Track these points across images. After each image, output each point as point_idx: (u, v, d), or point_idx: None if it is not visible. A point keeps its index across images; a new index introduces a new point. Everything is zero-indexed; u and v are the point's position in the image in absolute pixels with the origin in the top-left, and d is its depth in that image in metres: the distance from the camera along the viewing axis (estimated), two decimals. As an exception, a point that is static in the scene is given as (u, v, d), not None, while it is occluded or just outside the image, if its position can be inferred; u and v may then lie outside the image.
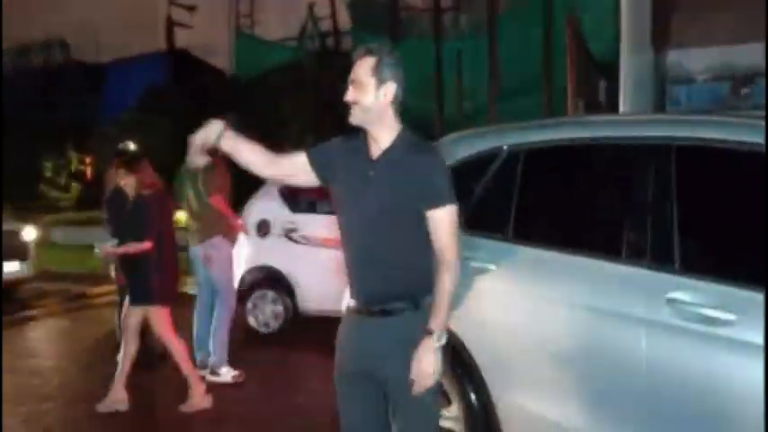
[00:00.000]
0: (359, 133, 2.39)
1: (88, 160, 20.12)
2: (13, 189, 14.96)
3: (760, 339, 2.21)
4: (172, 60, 20.64)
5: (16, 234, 8.76)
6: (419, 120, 9.98)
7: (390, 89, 2.28)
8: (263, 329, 6.52)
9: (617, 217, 2.73)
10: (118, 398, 4.55)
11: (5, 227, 8.59)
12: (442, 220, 2.28)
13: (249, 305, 6.54)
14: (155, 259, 4.45)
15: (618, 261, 2.64)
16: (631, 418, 2.52)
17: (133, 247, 4.45)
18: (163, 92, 18.32)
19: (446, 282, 2.26)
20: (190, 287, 6.90)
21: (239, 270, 6.25)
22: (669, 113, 5.42)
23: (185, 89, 17.63)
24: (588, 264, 2.74)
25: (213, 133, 2.35)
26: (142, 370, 4.89)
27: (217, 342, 5.22)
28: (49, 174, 20.33)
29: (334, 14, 19.30)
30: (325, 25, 19.54)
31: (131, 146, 5.28)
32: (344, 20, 18.93)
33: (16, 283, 8.71)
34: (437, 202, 2.28)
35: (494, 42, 10.94)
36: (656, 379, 2.44)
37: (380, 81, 2.27)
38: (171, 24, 21.60)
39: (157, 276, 4.49)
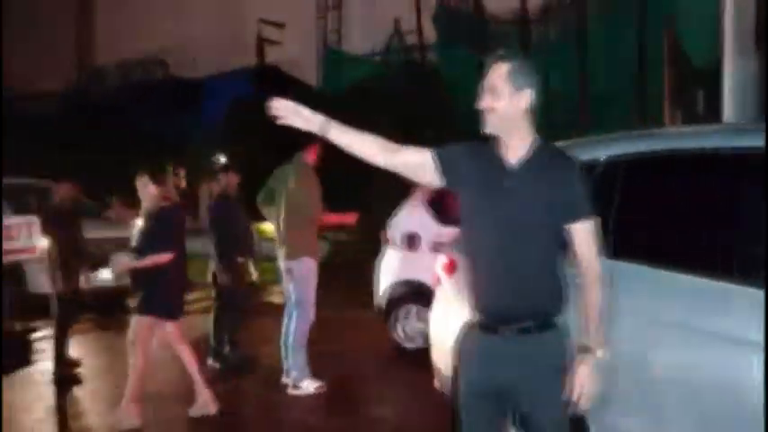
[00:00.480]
0: (486, 141, 2.30)
1: (182, 172, 20.99)
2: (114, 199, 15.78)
3: None
4: (261, 75, 21.27)
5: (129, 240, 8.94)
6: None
7: (526, 96, 2.21)
8: (408, 344, 6.34)
9: (728, 233, 2.56)
10: (205, 401, 4.64)
11: (111, 233, 8.93)
12: (588, 233, 2.21)
13: (393, 319, 6.40)
14: (169, 271, 4.45)
15: (729, 280, 2.48)
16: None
17: (152, 260, 4.42)
18: (252, 106, 18.88)
19: (598, 295, 2.21)
20: (274, 297, 7.03)
21: (384, 283, 6.27)
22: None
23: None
24: (695, 282, 2.58)
25: (317, 122, 2.26)
26: (233, 376, 5.02)
27: (296, 355, 5.21)
28: (145, 184, 21.32)
29: (419, 28, 19.39)
30: (411, 39, 19.65)
31: (222, 159, 5.47)
32: (430, 34, 18.98)
33: (121, 290, 8.66)
34: (582, 215, 2.21)
35: (582, 51, 10.69)
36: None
37: (516, 88, 2.19)
38: (261, 41, 22.36)
39: (171, 288, 4.51)
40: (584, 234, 2.20)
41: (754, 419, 2.29)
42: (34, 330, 7.42)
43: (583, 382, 2.15)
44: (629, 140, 3.05)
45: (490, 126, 2.23)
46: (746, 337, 2.35)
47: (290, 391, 5.16)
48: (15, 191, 8.54)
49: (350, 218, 5.69)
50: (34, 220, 6.55)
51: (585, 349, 2.18)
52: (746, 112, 6.65)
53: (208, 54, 22.08)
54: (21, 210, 7.37)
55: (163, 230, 4.49)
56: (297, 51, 22.11)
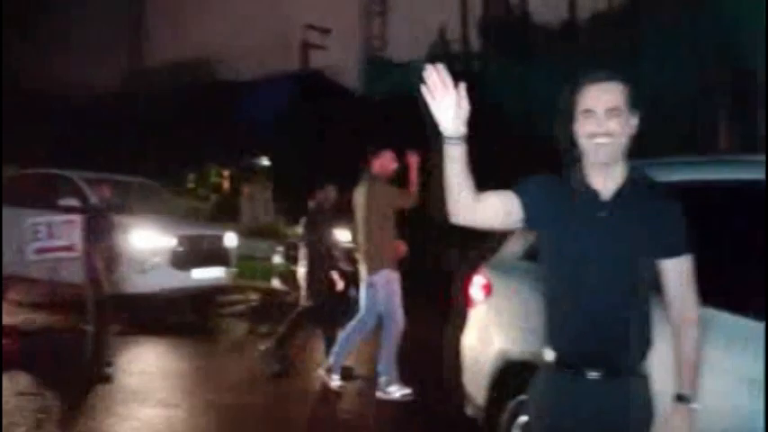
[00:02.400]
0: (568, 172, 2.10)
1: (225, 173, 21.26)
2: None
3: None
4: (305, 80, 21.41)
5: (219, 239, 8.69)
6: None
7: (636, 119, 2.03)
8: None
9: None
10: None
11: (208, 231, 8.93)
12: (684, 271, 2.03)
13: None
14: None
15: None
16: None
17: None
18: (295, 111, 19.02)
19: (694, 339, 2.03)
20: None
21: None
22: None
23: (316, 108, 18.21)
24: (749, 326, 2.42)
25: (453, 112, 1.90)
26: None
27: (385, 361, 5.30)
28: (191, 185, 21.65)
29: (465, 36, 19.25)
30: (456, 47, 19.52)
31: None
32: (475, 42, 18.85)
33: (217, 290, 8.66)
34: (678, 251, 2.02)
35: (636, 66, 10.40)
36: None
37: (632, 110, 2.00)
38: (306, 46, 22.51)
39: None
40: (679, 272, 2.02)
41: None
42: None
43: None
44: (678, 167, 2.89)
45: (605, 154, 1.98)
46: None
47: (378, 395, 5.27)
48: (123, 187, 8.48)
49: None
50: (75, 219, 6.63)
51: (681, 398, 2.01)
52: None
53: (253, 58, 22.35)
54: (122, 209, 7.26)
55: None
56: (341, 57, 22.25)
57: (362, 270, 5.47)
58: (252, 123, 20.35)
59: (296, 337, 6.21)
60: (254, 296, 10.12)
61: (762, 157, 2.73)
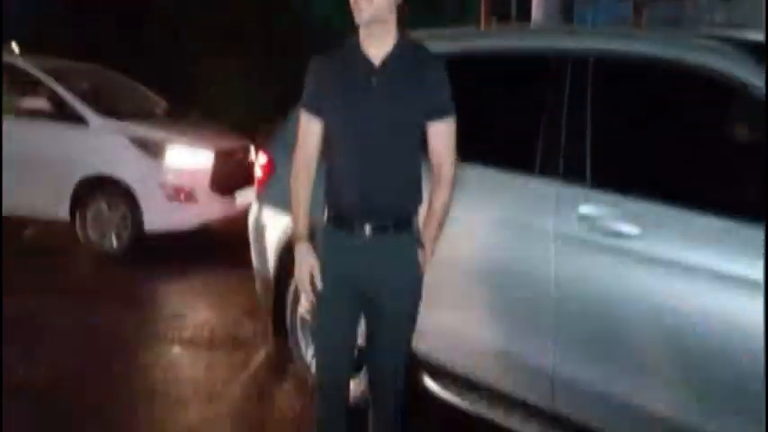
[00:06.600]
0: (342, 46, 2.21)
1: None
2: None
3: (665, 253, 2.27)
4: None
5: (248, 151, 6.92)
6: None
7: None
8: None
9: (530, 131, 2.70)
10: None
11: (239, 142, 6.86)
12: (445, 133, 2.21)
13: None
14: None
15: (531, 175, 2.64)
16: (539, 331, 2.58)
17: None
18: None
19: (446, 196, 2.24)
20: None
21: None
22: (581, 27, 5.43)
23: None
24: (501, 178, 2.73)
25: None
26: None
27: None
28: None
29: None
30: None
31: None
32: None
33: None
34: (441, 114, 2.18)
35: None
36: (565, 291, 2.49)
37: None
38: None
39: None
40: (441, 134, 2.21)
41: (555, 305, 2.51)
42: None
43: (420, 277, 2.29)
44: (442, 40, 3.06)
45: (365, 15, 2.08)
46: (543, 228, 2.54)
47: None
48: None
49: None
50: None
51: (422, 245, 2.27)
52: (552, 20, 7.03)
53: None
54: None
55: None
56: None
57: None
58: None
59: None
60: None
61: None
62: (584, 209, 2.45)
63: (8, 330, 4.14)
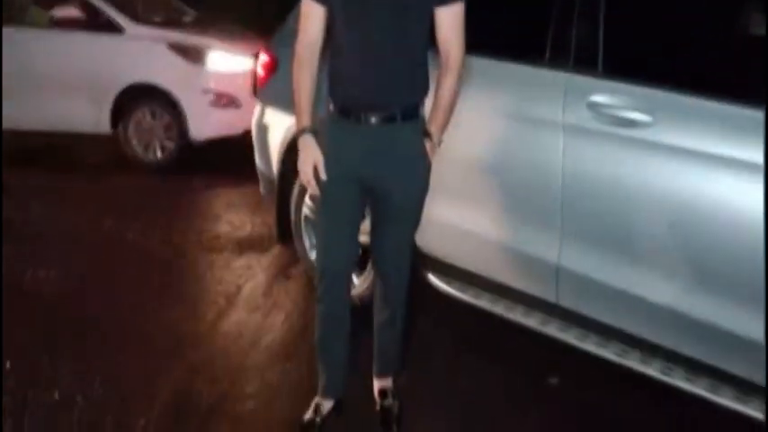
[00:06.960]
0: None
1: None
2: None
3: (677, 141, 2.20)
4: None
5: None
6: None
7: None
8: None
9: (540, 20, 2.58)
10: None
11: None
12: (453, 19, 2.13)
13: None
14: None
15: (540, 65, 2.54)
16: (545, 224, 2.54)
17: None
18: None
19: (453, 83, 2.17)
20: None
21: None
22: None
23: None
24: (509, 68, 2.63)
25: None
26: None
27: None
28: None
29: None
30: None
31: None
32: None
33: None
34: None
35: None
36: (573, 182, 2.44)
37: None
38: None
39: None
40: (450, 19, 2.12)
41: (564, 196, 2.47)
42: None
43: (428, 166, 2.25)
44: None
45: None
46: (552, 119, 2.47)
47: None
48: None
49: None
50: None
51: (429, 135, 2.22)
52: None
53: None
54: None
55: None
56: None
57: None
58: None
59: None
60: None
61: None
62: (595, 97, 2.37)
63: (46, 243, 4.20)
